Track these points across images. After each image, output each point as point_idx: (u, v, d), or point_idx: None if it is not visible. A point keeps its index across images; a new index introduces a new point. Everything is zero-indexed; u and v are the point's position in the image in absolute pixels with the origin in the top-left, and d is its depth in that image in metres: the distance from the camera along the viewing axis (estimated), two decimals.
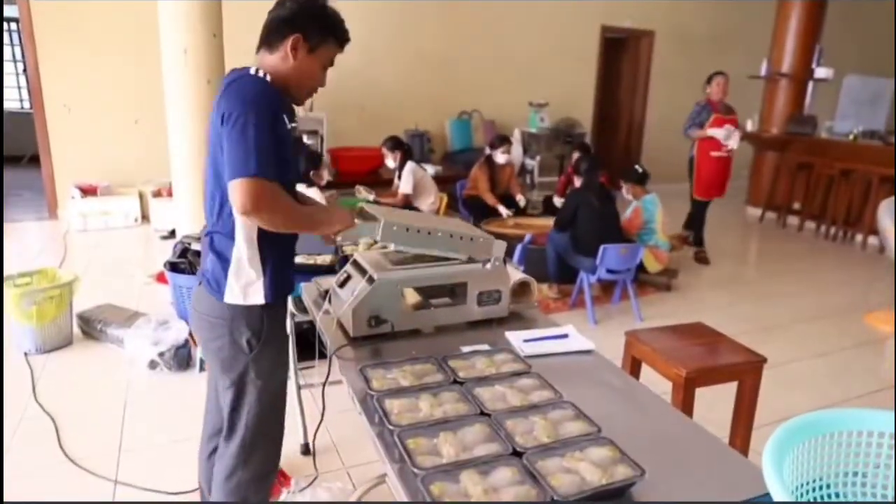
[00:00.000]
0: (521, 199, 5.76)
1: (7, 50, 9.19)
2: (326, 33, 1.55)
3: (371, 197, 5.32)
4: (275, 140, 1.42)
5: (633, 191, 4.82)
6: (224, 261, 1.55)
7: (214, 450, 1.80)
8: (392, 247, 1.74)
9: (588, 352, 1.74)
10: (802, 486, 1.00)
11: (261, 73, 1.49)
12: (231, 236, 1.54)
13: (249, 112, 1.39)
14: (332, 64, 1.61)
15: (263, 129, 1.40)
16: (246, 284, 1.54)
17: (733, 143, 5.32)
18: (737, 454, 1.32)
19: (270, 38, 1.54)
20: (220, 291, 1.55)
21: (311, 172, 4.25)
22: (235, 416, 1.64)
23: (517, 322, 1.93)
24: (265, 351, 1.60)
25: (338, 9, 1.58)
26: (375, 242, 2.38)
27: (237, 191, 1.39)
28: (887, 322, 4.33)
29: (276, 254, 1.58)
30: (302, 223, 1.59)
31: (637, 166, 4.96)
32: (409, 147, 5.73)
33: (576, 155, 5.89)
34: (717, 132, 5.28)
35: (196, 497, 2.29)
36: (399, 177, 5.39)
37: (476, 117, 7.66)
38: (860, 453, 1.04)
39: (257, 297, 1.55)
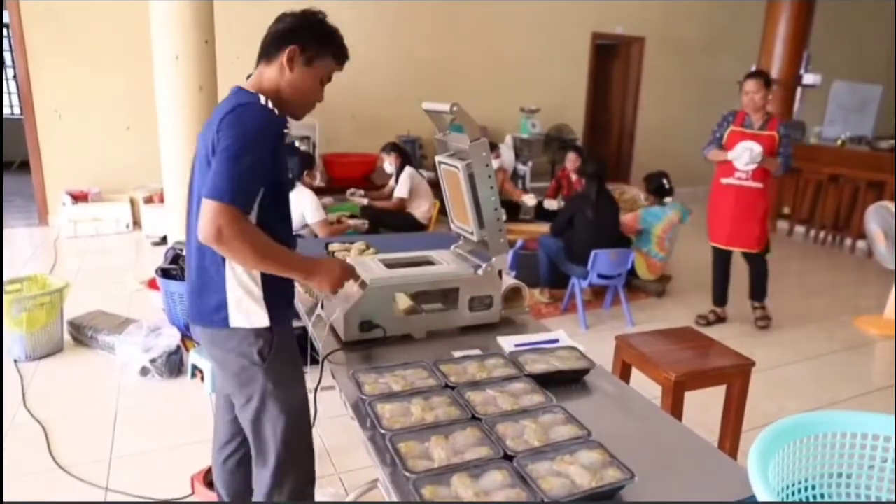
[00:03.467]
0: (530, 198, 5.73)
1: None
2: (323, 47, 1.55)
3: (364, 202, 5.34)
4: (267, 172, 1.42)
5: (648, 198, 4.80)
6: (219, 293, 1.51)
7: (228, 456, 1.81)
8: None
9: None
10: (788, 487, 1.01)
11: (269, 104, 1.48)
12: (222, 264, 1.50)
13: (248, 142, 1.39)
14: (329, 80, 1.61)
15: (256, 162, 1.39)
16: (248, 311, 1.52)
17: (740, 163, 3.90)
18: (725, 457, 1.34)
19: (269, 50, 1.54)
20: (224, 321, 1.52)
21: (305, 173, 4.27)
22: (260, 433, 1.59)
23: (508, 327, 1.94)
24: (278, 360, 1.57)
25: (329, 14, 1.58)
26: (368, 247, 2.40)
27: (206, 213, 1.36)
28: (876, 326, 4.38)
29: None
30: (275, 262, 1.46)
31: (665, 179, 4.72)
32: (408, 153, 5.77)
33: (570, 156, 5.89)
34: (730, 154, 3.94)
35: (189, 499, 2.29)
36: (396, 180, 5.41)
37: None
38: (845, 454, 1.06)
39: (262, 321, 1.53)
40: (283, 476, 1.61)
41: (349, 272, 1.61)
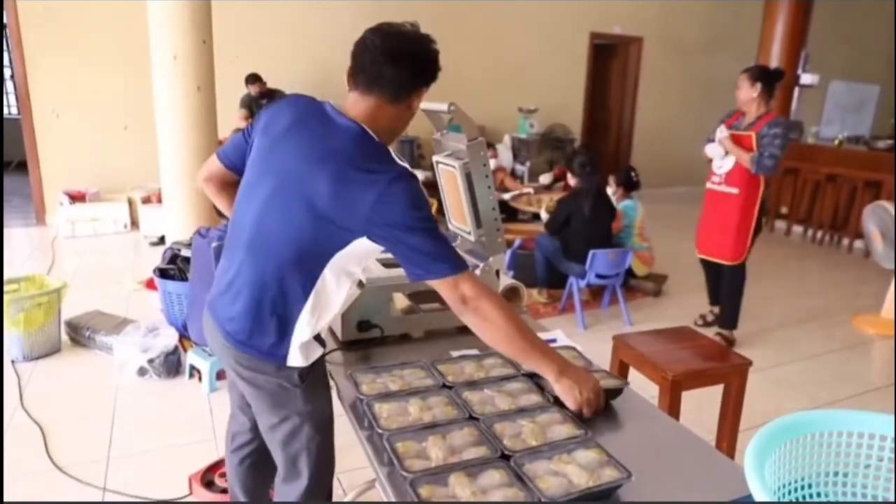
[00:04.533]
0: (546, 177, 5.74)
1: None
2: (432, 82, 1.48)
3: None
4: None
5: (617, 191, 4.92)
6: (284, 334, 1.40)
7: (246, 457, 1.76)
8: None
9: None
10: (785, 486, 1.01)
11: (407, 166, 1.37)
12: (301, 300, 1.38)
13: (426, 214, 1.32)
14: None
15: (437, 226, 1.34)
16: (308, 349, 1.44)
17: (716, 164, 3.76)
18: (722, 456, 1.34)
19: (398, 92, 1.42)
20: (282, 359, 1.42)
21: None
22: (291, 452, 1.52)
23: None
24: (313, 379, 1.50)
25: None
26: None
27: (445, 293, 1.33)
28: (874, 325, 4.38)
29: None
30: (528, 340, 1.36)
31: (633, 172, 4.96)
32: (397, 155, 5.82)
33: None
34: (708, 152, 3.79)
35: (187, 499, 2.29)
36: None
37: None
38: (842, 453, 1.05)
39: (317, 352, 1.48)
40: (314, 494, 1.55)
41: (600, 392, 1.42)
